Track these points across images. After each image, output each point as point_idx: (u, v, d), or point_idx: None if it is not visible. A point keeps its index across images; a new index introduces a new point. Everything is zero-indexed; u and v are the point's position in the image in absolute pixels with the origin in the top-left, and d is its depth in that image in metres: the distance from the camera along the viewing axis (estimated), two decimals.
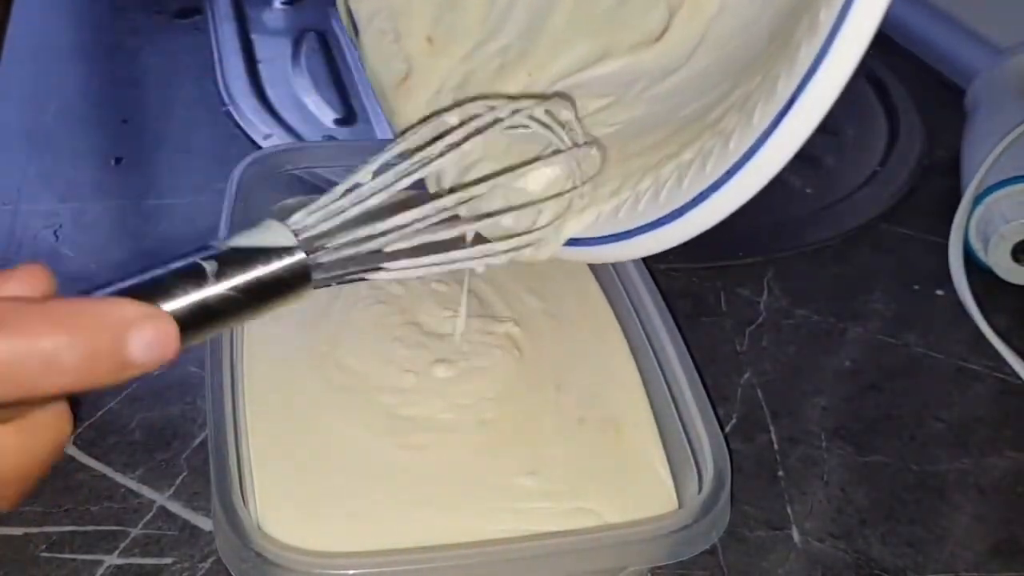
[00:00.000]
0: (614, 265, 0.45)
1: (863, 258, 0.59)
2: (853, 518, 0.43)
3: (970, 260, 0.57)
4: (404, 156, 0.34)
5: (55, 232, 0.56)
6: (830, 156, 0.67)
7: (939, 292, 0.56)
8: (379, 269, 0.31)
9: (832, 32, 0.29)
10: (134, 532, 0.40)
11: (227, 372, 0.38)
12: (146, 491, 0.42)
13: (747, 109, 0.32)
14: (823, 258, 0.58)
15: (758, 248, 0.58)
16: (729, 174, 0.32)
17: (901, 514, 0.44)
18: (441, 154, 0.34)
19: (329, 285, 0.30)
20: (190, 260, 0.27)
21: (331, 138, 0.65)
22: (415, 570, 0.33)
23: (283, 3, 0.81)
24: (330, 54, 0.75)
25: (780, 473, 0.45)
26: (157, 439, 0.44)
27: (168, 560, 0.39)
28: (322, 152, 0.52)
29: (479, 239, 0.37)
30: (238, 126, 0.66)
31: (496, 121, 0.35)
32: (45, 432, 0.27)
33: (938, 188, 0.64)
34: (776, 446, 0.46)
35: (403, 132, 0.43)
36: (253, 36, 0.76)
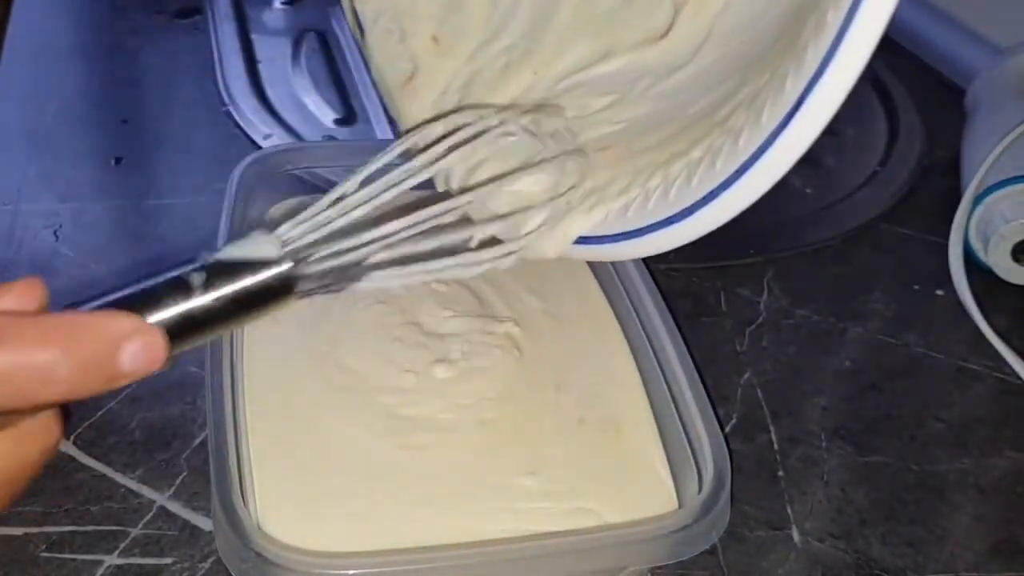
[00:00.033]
0: (614, 265, 0.45)
1: (863, 258, 0.59)
2: (853, 518, 0.43)
3: (970, 260, 0.57)
4: (388, 169, 0.34)
5: (55, 232, 0.56)
6: (830, 156, 0.67)
7: (939, 292, 0.56)
8: (363, 279, 0.32)
9: (839, 34, 0.29)
10: (134, 532, 0.40)
11: (227, 372, 0.38)
12: (146, 491, 0.42)
13: (755, 107, 0.32)
14: (823, 258, 0.58)
15: (758, 248, 0.58)
16: (739, 172, 0.32)
17: (901, 514, 0.44)
18: (424, 167, 0.34)
19: (314, 295, 0.31)
20: (178, 272, 0.28)
21: (331, 138, 0.65)
22: (415, 570, 0.33)
23: (283, 3, 0.81)
24: (330, 54, 0.75)
25: (780, 473, 0.45)
26: (157, 439, 0.44)
27: (168, 560, 0.39)
28: (322, 152, 0.52)
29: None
30: (238, 126, 0.66)
31: (483, 132, 0.36)
32: (35, 439, 0.28)
33: (938, 188, 0.64)
34: (776, 446, 0.46)
35: (407, 131, 0.43)
36: (253, 36, 0.76)
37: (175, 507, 0.41)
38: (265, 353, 0.41)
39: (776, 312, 0.54)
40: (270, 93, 0.70)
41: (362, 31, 0.47)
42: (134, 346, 0.26)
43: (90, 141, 0.65)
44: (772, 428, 0.47)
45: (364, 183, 0.32)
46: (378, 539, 0.35)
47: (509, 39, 0.43)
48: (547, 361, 0.42)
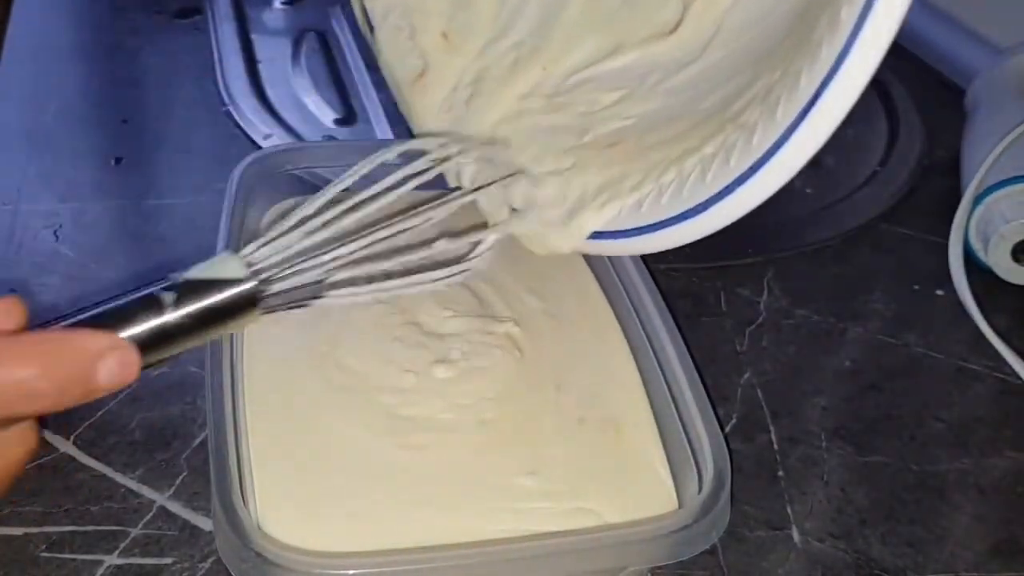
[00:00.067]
0: (614, 265, 0.45)
1: (863, 258, 0.59)
2: (853, 518, 0.43)
3: (970, 260, 0.57)
4: (349, 195, 0.37)
5: (55, 232, 0.56)
6: (830, 156, 0.66)
7: (939, 292, 0.56)
8: (323, 296, 0.35)
9: (854, 31, 0.29)
10: (134, 532, 0.40)
11: (227, 372, 0.38)
12: (146, 491, 0.42)
13: (769, 103, 0.32)
14: (823, 258, 0.58)
15: (758, 248, 0.58)
16: (753, 169, 0.32)
17: (901, 514, 0.44)
18: (378, 194, 0.36)
19: (278, 311, 0.33)
20: (150, 291, 0.31)
21: (331, 138, 0.65)
22: (415, 570, 0.33)
23: (283, 3, 0.81)
24: (330, 54, 0.75)
25: (780, 473, 0.45)
26: (157, 439, 0.44)
27: (168, 560, 0.39)
28: (322, 152, 0.52)
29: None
30: (238, 126, 0.66)
31: (443, 160, 0.38)
32: (14, 448, 0.30)
33: (938, 188, 0.64)
34: (776, 446, 0.46)
35: (418, 135, 0.45)
36: (253, 36, 0.76)
37: (175, 507, 0.41)
38: (265, 353, 0.41)
39: (776, 312, 0.54)
40: (270, 93, 0.70)
41: (372, 28, 0.47)
42: (110, 361, 0.29)
43: (90, 141, 0.65)
44: (772, 428, 0.47)
45: (324, 208, 0.35)
46: (378, 539, 0.35)
47: (518, 35, 0.43)
48: (547, 361, 0.42)
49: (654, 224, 0.36)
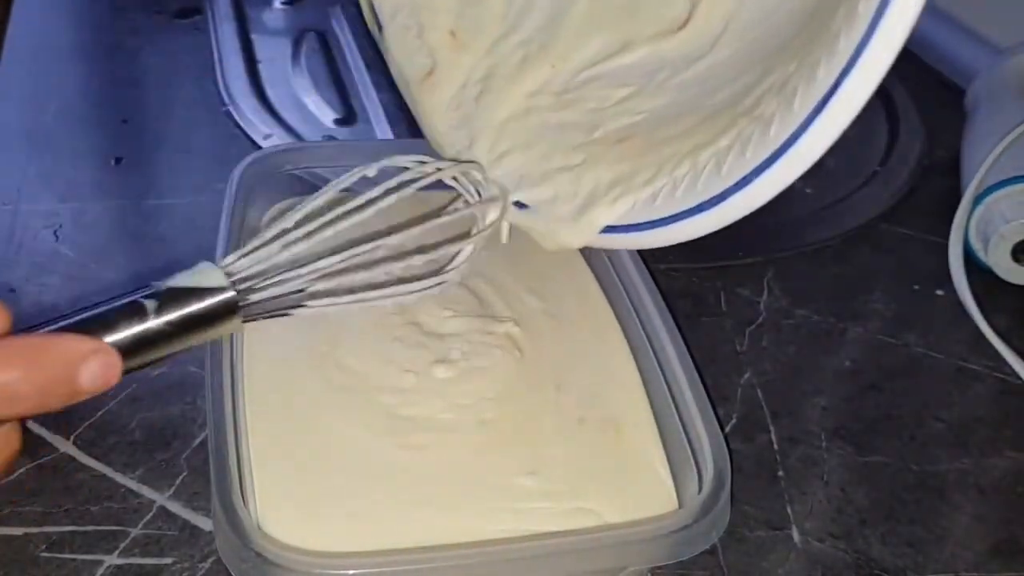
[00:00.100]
0: (614, 265, 0.45)
1: (863, 258, 0.59)
2: (853, 518, 0.43)
3: (970, 260, 0.57)
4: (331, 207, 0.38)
5: (55, 232, 0.56)
6: (830, 156, 0.66)
7: (939, 292, 0.56)
8: (302, 306, 0.36)
9: (872, 23, 0.29)
10: (134, 532, 0.40)
11: (227, 372, 0.38)
12: (146, 491, 0.42)
13: (786, 94, 0.32)
14: (823, 258, 0.58)
15: (758, 248, 0.58)
16: (771, 160, 0.32)
17: (901, 514, 0.44)
18: (352, 212, 0.37)
19: (258, 319, 0.34)
20: (132, 298, 0.31)
21: (331, 138, 0.65)
22: (415, 570, 0.33)
23: (283, 3, 0.81)
24: (330, 54, 0.75)
25: (780, 473, 0.45)
26: (157, 439, 0.44)
27: (168, 560, 0.39)
28: (322, 152, 0.52)
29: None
30: (238, 126, 0.66)
31: (411, 181, 0.39)
32: None
33: (938, 188, 0.64)
34: (776, 446, 0.46)
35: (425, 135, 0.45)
36: (253, 36, 0.76)
37: (175, 507, 0.41)
38: (265, 353, 0.41)
39: (776, 312, 0.54)
40: (270, 93, 0.70)
41: (380, 26, 0.47)
42: (93, 365, 0.29)
43: (90, 141, 0.65)
44: (772, 428, 0.47)
45: (303, 221, 0.36)
46: (378, 539, 0.35)
47: (526, 33, 0.43)
48: (547, 361, 0.42)
49: (669, 217, 0.36)
